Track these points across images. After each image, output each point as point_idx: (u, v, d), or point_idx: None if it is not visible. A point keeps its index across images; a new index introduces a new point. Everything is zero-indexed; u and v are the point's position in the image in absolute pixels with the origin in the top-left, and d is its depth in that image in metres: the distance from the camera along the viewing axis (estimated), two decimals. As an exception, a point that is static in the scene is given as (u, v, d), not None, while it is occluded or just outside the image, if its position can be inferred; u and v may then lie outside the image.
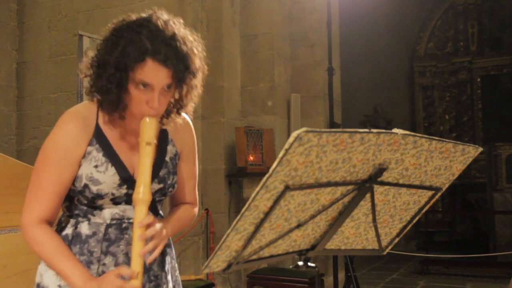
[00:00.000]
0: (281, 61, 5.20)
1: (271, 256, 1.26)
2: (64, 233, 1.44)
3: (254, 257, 1.21)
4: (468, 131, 10.14)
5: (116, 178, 1.38)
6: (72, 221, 1.44)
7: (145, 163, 1.34)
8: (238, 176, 4.73)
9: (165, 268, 1.53)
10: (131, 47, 1.28)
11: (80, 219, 1.43)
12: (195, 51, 1.38)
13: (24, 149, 5.11)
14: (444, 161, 1.21)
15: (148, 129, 1.34)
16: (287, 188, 1.04)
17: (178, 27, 1.36)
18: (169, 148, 1.50)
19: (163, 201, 1.53)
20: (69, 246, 1.41)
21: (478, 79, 10.14)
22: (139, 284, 1.28)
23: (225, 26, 4.86)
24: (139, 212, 1.32)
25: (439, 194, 1.30)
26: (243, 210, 1.06)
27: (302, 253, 1.31)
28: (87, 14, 4.95)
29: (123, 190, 1.40)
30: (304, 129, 0.95)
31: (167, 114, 1.45)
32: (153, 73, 1.29)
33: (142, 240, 1.31)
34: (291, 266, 1.71)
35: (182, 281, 1.65)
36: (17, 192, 2.28)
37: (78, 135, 1.37)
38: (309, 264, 1.31)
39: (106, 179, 1.37)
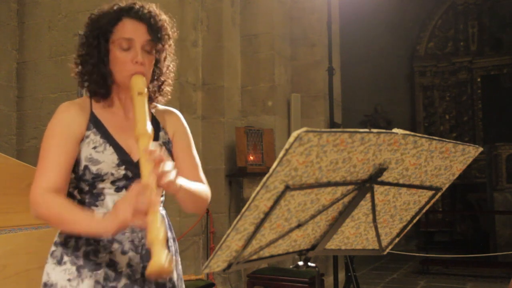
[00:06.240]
0: (281, 61, 5.20)
1: (271, 256, 1.26)
2: None
3: (255, 257, 1.21)
4: (468, 131, 10.14)
5: (115, 157, 1.42)
6: None
7: (140, 108, 1.37)
8: (238, 176, 4.73)
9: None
10: (104, 16, 1.47)
11: None
12: (166, 21, 1.50)
13: (24, 149, 5.10)
14: (444, 161, 1.21)
15: (137, 82, 1.41)
16: (287, 188, 1.04)
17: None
18: (161, 134, 1.55)
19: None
20: (76, 239, 1.41)
21: (478, 79, 10.14)
22: (154, 193, 1.23)
23: (225, 26, 4.86)
24: (142, 143, 1.30)
25: (439, 194, 1.30)
26: (243, 210, 1.05)
27: (302, 253, 1.31)
28: (87, 14, 4.88)
29: (122, 171, 1.42)
30: (304, 129, 0.95)
31: (153, 89, 1.53)
32: (132, 28, 1.43)
33: (151, 161, 1.25)
34: (291, 266, 1.71)
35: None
36: (17, 192, 2.28)
37: (77, 115, 1.45)
38: (309, 264, 1.31)
39: (105, 158, 1.41)
